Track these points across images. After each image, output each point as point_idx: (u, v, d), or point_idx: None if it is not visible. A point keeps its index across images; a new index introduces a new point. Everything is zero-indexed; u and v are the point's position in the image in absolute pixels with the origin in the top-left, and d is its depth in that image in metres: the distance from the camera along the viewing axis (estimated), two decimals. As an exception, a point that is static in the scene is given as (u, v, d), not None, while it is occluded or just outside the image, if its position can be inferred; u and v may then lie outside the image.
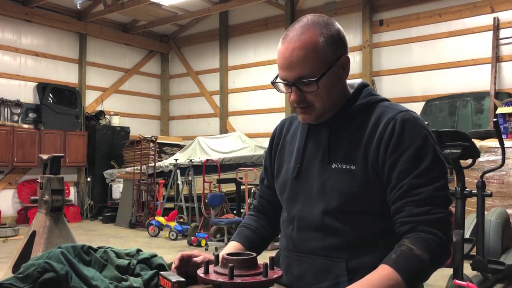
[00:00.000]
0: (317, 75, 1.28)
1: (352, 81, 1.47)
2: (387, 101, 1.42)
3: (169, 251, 6.62)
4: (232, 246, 1.50)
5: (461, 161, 3.82)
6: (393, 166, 1.28)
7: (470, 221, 5.19)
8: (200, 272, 1.19)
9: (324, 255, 1.34)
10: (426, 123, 4.56)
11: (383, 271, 1.18)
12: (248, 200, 7.44)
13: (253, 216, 1.64)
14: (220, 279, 1.13)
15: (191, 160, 8.76)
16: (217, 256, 1.24)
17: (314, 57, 1.28)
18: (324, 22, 1.32)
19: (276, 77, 1.37)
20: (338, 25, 1.35)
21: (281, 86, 1.37)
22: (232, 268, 1.12)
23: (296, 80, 1.30)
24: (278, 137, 1.58)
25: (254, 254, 1.21)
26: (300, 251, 1.40)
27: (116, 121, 11.49)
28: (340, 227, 1.33)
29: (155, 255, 2.78)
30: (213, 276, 1.15)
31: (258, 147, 9.68)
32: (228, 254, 1.21)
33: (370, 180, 1.31)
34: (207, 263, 1.20)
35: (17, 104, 9.76)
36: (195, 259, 1.33)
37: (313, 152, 1.41)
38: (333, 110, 1.37)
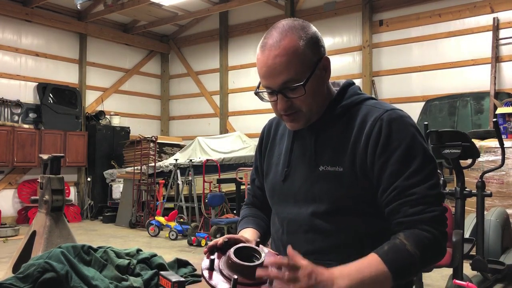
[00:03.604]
0: (302, 79, 1.27)
1: (338, 80, 1.46)
2: (372, 99, 1.40)
3: (169, 251, 6.62)
4: (251, 232, 1.49)
5: (461, 161, 3.82)
6: (383, 168, 1.27)
7: (470, 221, 5.20)
8: (205, 266, 1.16)
9: (315, 258, 1.31)
10: (426, 123, 4.48)
11: (373, 261, 1.19)
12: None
13: (251, 208, 1.64)
14: None
15: (191, 160, 8.76)
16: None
17: (297, 61, 1.26)
18: (300, 26, 1.30)
19: (258, 87, 1.35)
20: (313, 27, 1.34)
21: (265, 95, 1.36)
22: (235, 281, 1.10)
23: (282, 87, 1.28)
24: (266, 138, 1.58)
25: (262, 260, 1.17)
26: None
27: (116, 121, 11.50)
28: (330, 228, 1.33)
29: (155, 255, 2.78)
30: (215, 281, 1.13)
31: (258, 147, 9.66)
32: (236, 249, 1.18)
33: (358, 182, 1.30)
34: (211, 261, 1.17)
35: (18, 104, 9.77)
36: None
37: (300, 155, 1.41)
38: (319, 112, 1.36)
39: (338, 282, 1.13)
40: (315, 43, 1.30)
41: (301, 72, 1.27)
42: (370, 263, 1.19)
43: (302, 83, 1.26)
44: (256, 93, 1.37)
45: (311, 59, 1.29)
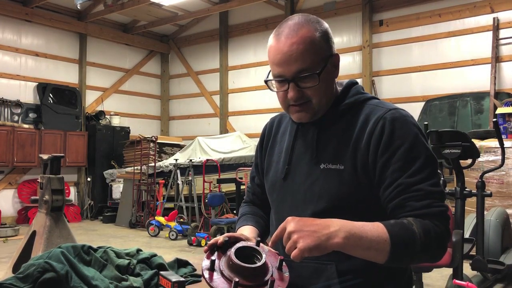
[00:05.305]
0: (317, 69, 1.28)
1: (341, 80, 1.47)
2: (375, 99, 1.41)
3: (169, 251, 6.62)
4: (250, 229, 1.48)
5: (461, 161, 3.82)
6: (386, 166, 1.27)
7: (470, 221, 5.20)
8: (205, 266, 1.16)
9: (314, 258, 1.30)
10: (426, 123, 4.49)
11: (376, 226, 1.18)
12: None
13: (250, 206, 1.64)
14: None
15: (191, 160, 8.76)
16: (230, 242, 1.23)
17: (313, 51, 1.28)
18: (315, 20, 1.33)
19: (268, 75, 1.36)
20: (326, 23, 1.37)
21: (276, 84, 1.36)
22: (236, 284, 1.09)
23: (296, 75, 1.29)
24: (268, 135, 1.58)
25: (264, 260, 1.17)
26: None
27: (116, 121, 11.50)
28: None
29: (155, 255, 2.78)
30: (216, 282, 1.12)
31: (258, 147, 9.66)
32: (237, 250, 1.17)
33: (358, 180, 1.30)
34: (211, 262, 1.16)
35: (17, 104, 9.77)
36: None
37: (302, 152, 1.41)
38: (325, 108, 1.37)
39: (336, 229, 1.14)
40: (329, 38, 1.33)
41: (316, 63, 1.28)
42: (374, 226, 1.18)
43: (317, 72, 1.28)
44: (266, 81, 1.37)
45: (325, 51, 1.31)
